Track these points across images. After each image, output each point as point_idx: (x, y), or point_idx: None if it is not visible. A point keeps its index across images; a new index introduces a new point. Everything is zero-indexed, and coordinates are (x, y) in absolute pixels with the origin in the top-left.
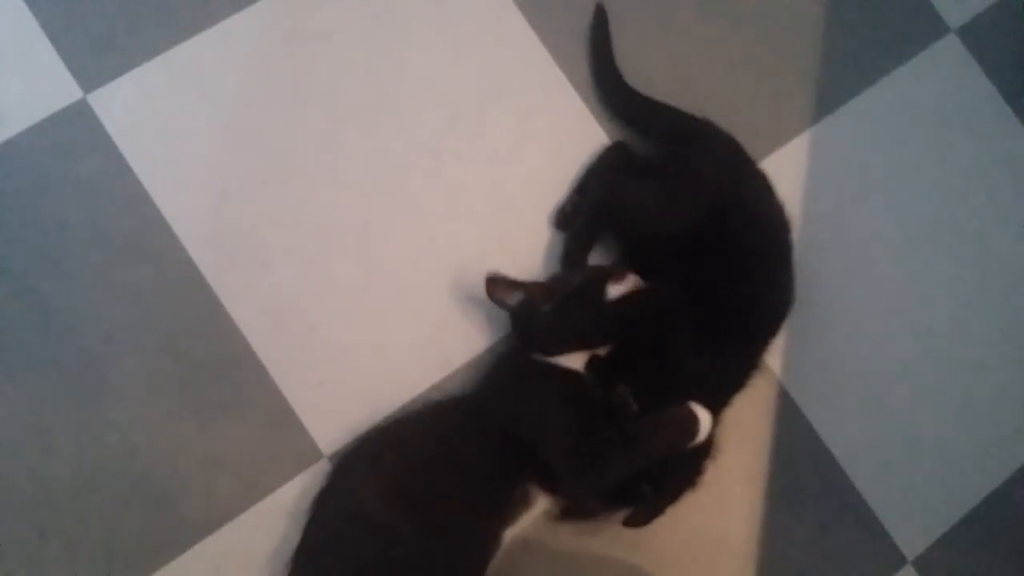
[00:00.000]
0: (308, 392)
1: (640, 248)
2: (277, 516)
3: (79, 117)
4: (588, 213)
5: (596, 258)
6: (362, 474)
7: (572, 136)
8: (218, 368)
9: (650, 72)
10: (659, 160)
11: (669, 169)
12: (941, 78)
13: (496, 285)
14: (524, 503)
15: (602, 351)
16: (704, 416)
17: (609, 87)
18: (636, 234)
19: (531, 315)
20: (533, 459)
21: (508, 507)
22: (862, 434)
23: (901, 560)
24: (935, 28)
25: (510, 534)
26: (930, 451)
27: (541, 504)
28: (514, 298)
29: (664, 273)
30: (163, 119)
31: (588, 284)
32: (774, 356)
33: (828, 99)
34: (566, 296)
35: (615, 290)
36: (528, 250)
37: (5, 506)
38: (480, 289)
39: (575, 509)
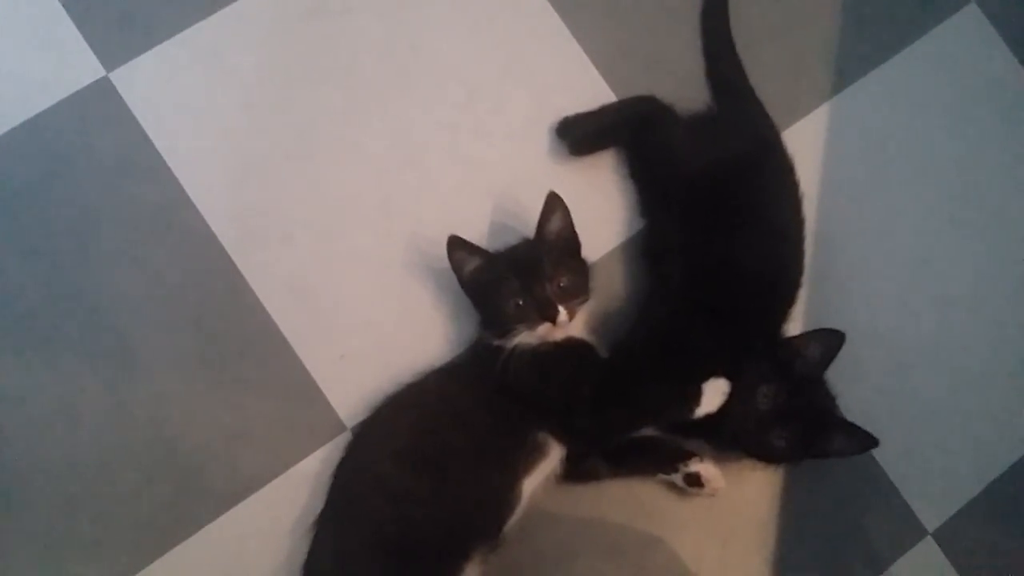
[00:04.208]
0: (330, 365)
1: (651, 184)
2: (301, 487)
3: (101, 95)
4: (615, 120)
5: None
6: (376, 441)
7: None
8: (242, 342)
9: (669, 45)
10: (694, 113)
11: (705, 116)
12: (961, 49)
13: (457, 248)
14: (539, 452)
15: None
16: (713, 389)
17: (714, 25)
18: (652, 162)
19: (485, 299)
20: (542, 407)
21: (523, 458)
22: (882, 406)
23: (921, 532)
24: None
25: (530, 486)
26: (950, 423)
27: (557, 452)
28: (472, 262)
29: (666, 220)
30: (185, 96)
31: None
32: (794, 330)
33: (847, 71)
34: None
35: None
36: None
37: (34, 479)
38: None
39: (580, 471)
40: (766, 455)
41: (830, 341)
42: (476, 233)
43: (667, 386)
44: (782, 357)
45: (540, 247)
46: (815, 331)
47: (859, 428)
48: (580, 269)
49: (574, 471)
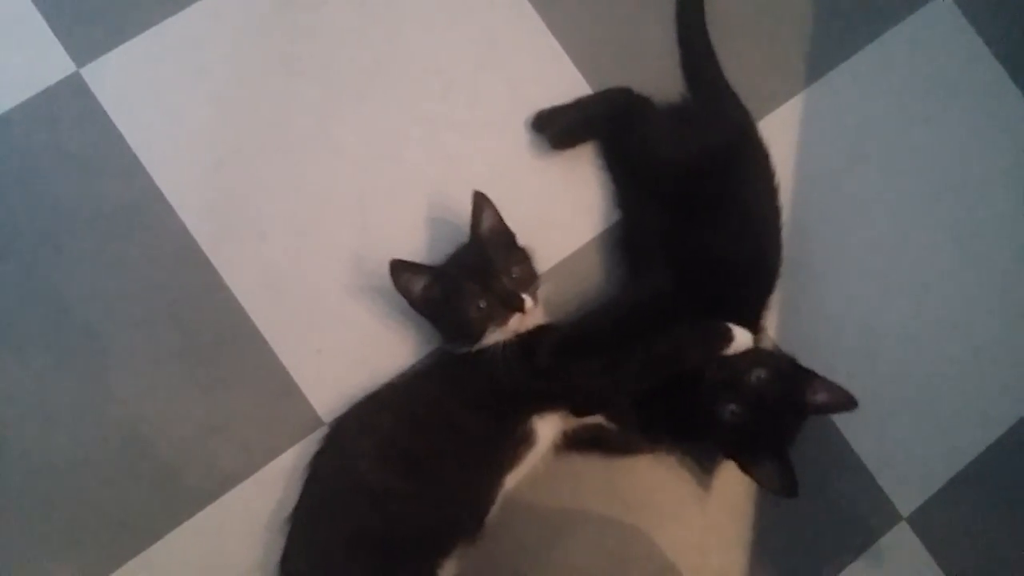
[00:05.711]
0: (307, 360)
1: (628, 175)
2: (278, 483)
3: (73, 91)
4: (591, 113)
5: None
6: (355, 438)
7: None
8: (217, 338)
9: (644, 37)
10: (670, 104)
11: (681, 107)
12: (934, 39)
13: (401, 271)
14: (526, 443)
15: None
16: (740, 332)
17: (688, 16)
18: (629, 154)
19: (444, 313)
20: (538, 393)
21: (509, 451)
22: (856, 391)
23: (896, 517)
24: None
25: (513, 479)
26: (925, 409)
27: (544, 440)
28: (419, 282)
29: (643, 211)
30: (157, 91)
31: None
32: (768, 316)
33: (821, 62)
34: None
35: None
36: (522, 217)
37: (9, 479)
38: None
39: (589, 434)
40: (703, 419)
41: (841, 401)
42: (453, 227)
43: (690, 330)
44: (797, 376)
45: (481, 246)
46: (840, 387)
47: (793, 474)
48: (524, 256)
49: (591, 440)
